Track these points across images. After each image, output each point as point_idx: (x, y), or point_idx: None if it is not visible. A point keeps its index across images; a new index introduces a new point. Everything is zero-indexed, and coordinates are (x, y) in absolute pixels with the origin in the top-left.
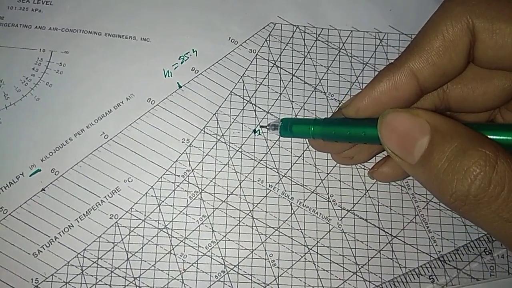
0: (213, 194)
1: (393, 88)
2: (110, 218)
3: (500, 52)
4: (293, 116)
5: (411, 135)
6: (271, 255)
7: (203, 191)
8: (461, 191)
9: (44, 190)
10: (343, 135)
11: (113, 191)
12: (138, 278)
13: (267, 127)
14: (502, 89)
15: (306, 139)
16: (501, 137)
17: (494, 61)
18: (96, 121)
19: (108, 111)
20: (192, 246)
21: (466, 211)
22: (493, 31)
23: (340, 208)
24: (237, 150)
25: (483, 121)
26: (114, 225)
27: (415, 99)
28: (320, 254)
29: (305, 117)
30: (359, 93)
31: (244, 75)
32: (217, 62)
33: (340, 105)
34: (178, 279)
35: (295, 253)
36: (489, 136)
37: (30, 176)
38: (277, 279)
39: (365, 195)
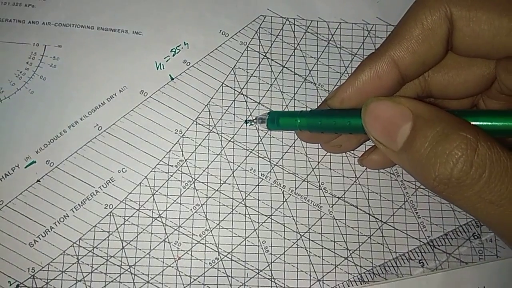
0: (206, 184)
1: (376, 77)
2: (105, 208)
3: (477, 40)
4: (284, 107)
5: (393, 122)
6: (263, 242)
7: (196, 181)
8: (444, 174)
9: (40, 181)
10: (329, 126)
11: (108, 182)
12: (133, 266)
13: (254, 121)
14: (482, 77)
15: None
16: (483, 123)
17: (472, 49)
18: (89, 113)
19: (102, 103)
20: (186, 234)
21: (450, 194)
22: (470, 19)
23: (331, 196)
24: (229, 140)
25: (465, 108)
26: (109, 214)
27: (398, 88)
28: (312, 241)
29: (294, 110)
30: (342, 84)
31: (235, 67)
32: (208, 54)
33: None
34: (172, 267)
35: (287, 239)
36: (471, 122)
37: (26, 167)
38: (270, 265)
39: (355, 183)
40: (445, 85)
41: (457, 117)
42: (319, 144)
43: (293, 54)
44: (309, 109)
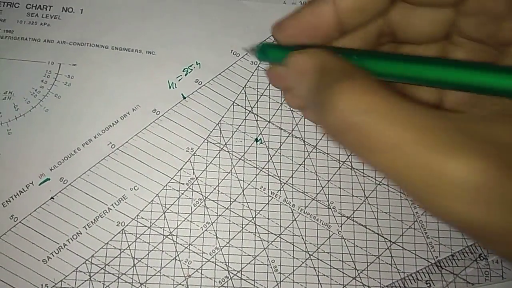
0: (216, 202)
1: (312, 13)
2: (117, 225)
3: None
4: (294, 125)
5: (302, 70)
6: (273, 261)
7: (207, 199)
8: (330, 122)
9: (53, 199)
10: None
11: (120, 199)
12: (144, 284)
13: (247, 49)
14: (438, 21)
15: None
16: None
17: None
18: (103, 131)
19: (115, 121)
20: (196, 253)
21: (340, 140)
22: None
23: (340, 215)
24: (240, 159)
25: (431, 54)
26: (121, 232)
27: (335, 35)
28: (321, 260)
29: (304, 127)
30: (285, 17)
31: (246, 86)
32: (220, 74)
33: None
34: (183, 285)
35: (296, 259)
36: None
37: (40, 185)
38: (279, 285)
39: (364, 202)
40: (404, 27)
41: (353, 65)
42: (329, 165)
43: None
44: None
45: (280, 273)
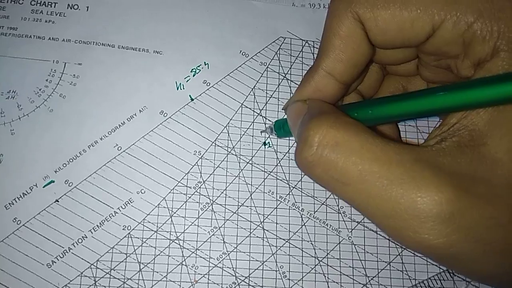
0: (224, 206)
1: (316, 90)
2: (123, 229)
3: (387, 37)
4: None
5: (298, 114)
6: (281, 267)
7: (214, 203)
8: (301, 157)
9: (58, 201)
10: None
11: (126, 203)
12: None
13: (265, 131)
14: (408, 57)
15: None
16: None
17: (387, 44)
18: (109, 133)
19: (122, 123)
20: (203, 258)
21: (312, 175)
22: (375, 18)
23: (350, 220)
24: (248, 162)
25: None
26: (127, 236)
27: (341, 92)
28: (330, 266)
29: None
30: (290, 99)
31: (255, 87)
32: (228, 74)
33: None
34: None
35: (306, 265)
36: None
37: (44, 187)
38: None
39: None
40: (384, 57)
41: (334, 107)
42: None
43: None
44: None
45: (289, 279)
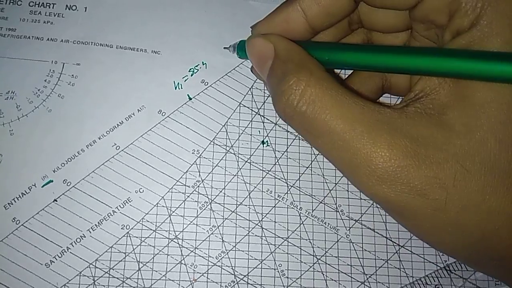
0: (222, 205)
1: (284, 21)
2: (121, 228)
3: None
4: None
5: (263, 56)
6: (280, 265)
7: (213, 202)
8: (279, 108)
9: (56, 201)
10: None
11: (125, 202)
12: None
13: (228, 48)
14: (399, 19)
15: None
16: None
17: (379, 2)
18: (107, 132)
19: (120, 122)
20: (202, 256)
21: (288, 123)
22: None
23: (348, 218)
24: (246, 161)
25: (399, 43)
26: (126, 235)
27: (305, 36)
28: (329, 264)
29: None
30: (260, 21)
31: (253, 87)
32: (226, 74)
33: None
34: None
35: (304, 263)
36: (326, 57)
37: (42, 187)
38: None
39: (372, 205)
40: (371, 19)
41: (308, 57)
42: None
43: None
44: None
45: (288, 277)
